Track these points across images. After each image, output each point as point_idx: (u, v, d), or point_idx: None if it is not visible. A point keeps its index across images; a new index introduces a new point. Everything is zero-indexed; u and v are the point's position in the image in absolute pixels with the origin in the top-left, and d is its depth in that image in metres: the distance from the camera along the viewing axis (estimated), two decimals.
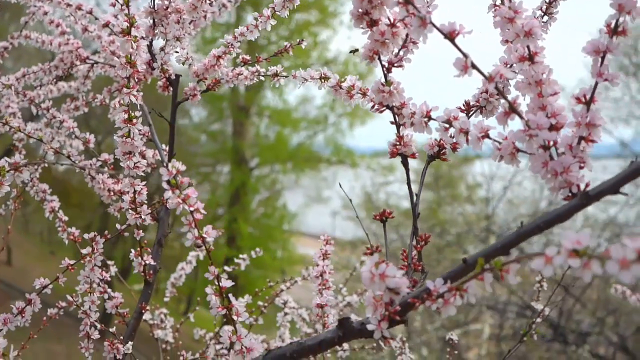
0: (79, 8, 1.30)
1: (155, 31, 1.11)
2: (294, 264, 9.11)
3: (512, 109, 0.67)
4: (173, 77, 1.20)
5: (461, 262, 0.62)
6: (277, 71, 1.17)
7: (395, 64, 0.77)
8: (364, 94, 0.88)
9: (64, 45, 1.44)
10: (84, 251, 1.01)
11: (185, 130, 9.74)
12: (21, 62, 5.78)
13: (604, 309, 6.10)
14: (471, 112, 0.81)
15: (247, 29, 1.15)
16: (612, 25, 0.62)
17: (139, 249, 1.05)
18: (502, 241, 0.61)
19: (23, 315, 1.00)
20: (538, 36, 0.66)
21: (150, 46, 1.16)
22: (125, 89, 0.94)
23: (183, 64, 1.17)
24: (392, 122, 0.80)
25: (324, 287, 1.04)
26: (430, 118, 0.76)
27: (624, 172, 0.57)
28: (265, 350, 0.74)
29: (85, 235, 1.03)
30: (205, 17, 1.16)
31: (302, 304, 1.83)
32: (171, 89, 1.21)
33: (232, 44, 1.16)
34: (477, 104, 0.80)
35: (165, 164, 0.68)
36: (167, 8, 1.11)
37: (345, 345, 1.56)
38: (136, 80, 0.96)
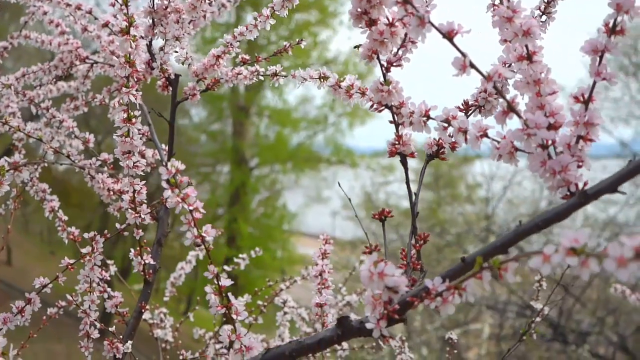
0: (78, 8, 1.30)
1: (155, 31, 1.12)
2: (294, 264, 9.11)
3: (511, 108, 0.67)
4: (172, 76, 1.20)
5: (460, 261, 0.62)
6: (276, 71, 1.18)
7: (394, 64, 0.77)
8: (363, 94, 0.88)
9: (63, 45, 1.44)
10: (83, 250, 1.01)
11: (185, 130, 9.74)
12: (21, 62, 5.78)
13: (603, 308, 6.10)
14: (470, 112, 0.81)
15: (247, 29, 1.15)
16: (610, 25, 0.62)
17: (138, 248, 1.05)
18: (500, 240, 0.61)
19: (23, 314, 1.00)
20: (536, 35, 0.66)
21: (149, 46, 1.16)
22: (124, 89, 0.94)
23: (182, 63, 1.18)
24: (391, 122, 0.80)
25: (323, 287, 1.04)
26: (428, 117, 0.76)
27: (622, 170, 0.57)
28: (265, 349, 0.74)
29: (85, 235, 1.03)
30: (204, 16, 1.16)
31: (302, 304, 1.83)
32: (170, 88, 1.21)
33: (231, 44, 1.16)
34: (476, 103, 0.80)
35: (164, 163, 0.68)
36: (166, 8, 1.11)
37: (345, 345, 1.56)
38: (135, 79, 0.96)
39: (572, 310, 5.95)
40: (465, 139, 0.72)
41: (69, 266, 1.03)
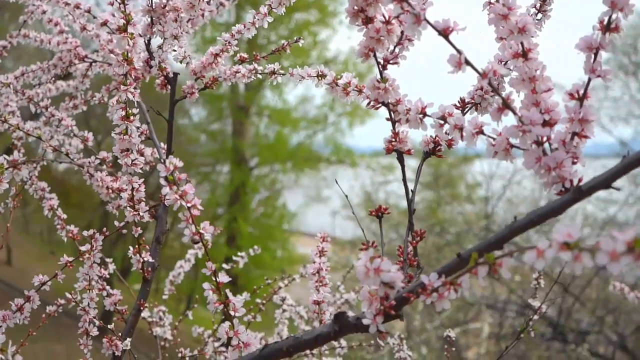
0: (77, 7, 1.31)
1: (153, 29, 1.12)
2: (293, 264, 9.11)
3: (506, 105, 0.67)
4: (171, 75, 1.20)
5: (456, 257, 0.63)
6: (274, 69, 1.18)
7: (391, 61, 0.78)
8: (360, 91, 0.88)
9: (62, 44, 1.44)
10: (82, 248, 1.02)
11: (185, 130, 9.75)
12: (21, 61, 5.79)
13: (603, 307, 6.10)
14: (466, 109, 0.81)
15: (245, 27, 1.15)
16: (605, 22, 0.63)
17: (137, 246, 1.06)
18: (495, 236, 0.62)
19: (22, 312, 1.01)
20: (532, 33, 0.67)
21: (148, 44, 1.16)
22: (122, 86, 0.94)
23: (181, 62, 1.18)
24: (387, 119, 0.80)
25: (320, 284, 1.04)
26: (425, 115, 0.77)
27: (616, 166, 0.58)
28: (263, 346, 0.74)
29: (84, 233, 1.03)
30: (202, 15, 1.17)
31: (301, 304, 1.83)
32: (169, 87, 1.21)
33: (229, 42, 1.16)
34: (473, 101, 0.81)
35: (162, 161, 0.69)
36: (164, 6, 1.11)
37: (343, 342, 1.57)
38: (133, 77, 0.97)
39: (571, 309, 5.96)
40: (462, 136, 0.72)
41: (68, 264, 1.04)
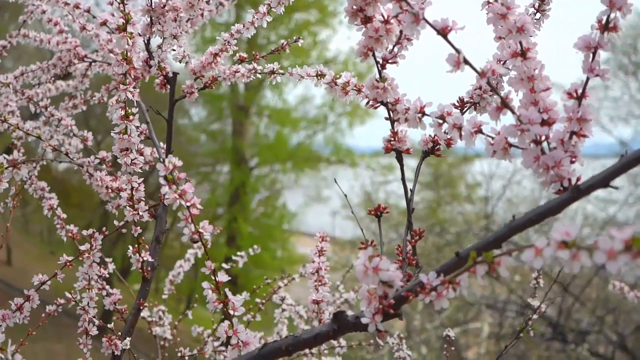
0: (76, 7, 1.31)
1: (153, 29, 1.12)
2: (293, 264, 9.11)
3: (504, 104, 0.67)
4: (170, 74, 1.20)
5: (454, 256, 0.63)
6: (273, 68, 1.18)
7: (390, 61, 0.78)
8: (359, 91, 0.88)
9: (62, 43, 1.44)
10: (82, 248, 1.02)
11: (185, 130, 9.75)
12: (21, 61, 5.79)
13: (603, 307, 6.10)
14: (465, 109, 0.81)
15: (244, 26, 1.15)
16: (603, 22, 0.63)
17: (136, 245, 1.06)
18: (494, 235, 0.62)
19: (21, 311, 1.01)
20: (530, 32, 0.67)
21: (147, 44, 1.17)
22: (121, 86, 0.94)
23: (180, 61, 1.18)
24: (386, 118, 0.80)
25: (320, 284, 1.05)
26: (424, 114, 0.77)
27: (615, 165, 0.58)
28: (262, 345, 0.74)
29: (84, 232, 1.03)
30: (202, 15, 1.17)
31: (301, 303, 1.83)
32: (168, 86, 1.21)
33: (228, 42, 1.16)
34: (471, 100, 0.81)
35: (162, 160, 0.69)
36: (164, 6, 1.11)
37: (343, 342, 1.57)
38: (133, 77, 0.97)
39: (571, 309, 5.96)
40: (460, 136, 0.72)
41: (68, 263, 1.04)
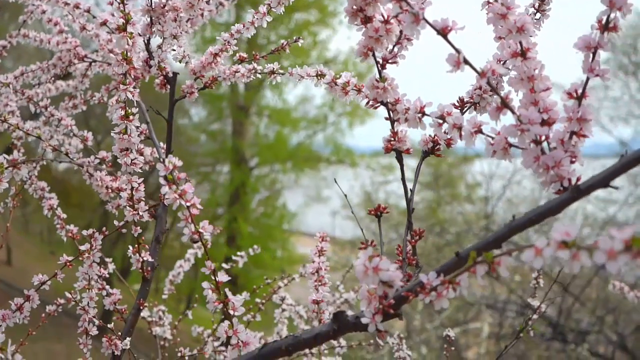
0: (76, 7, 1.31)
1: (153, 29, 1.12)
2: (293, 264, 9.11)
3: (504, 104, 0.67)
4: (170, 74, 1.21)
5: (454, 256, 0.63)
6: (273, 68, 1.18)
7: (390, 61, 0.78)
8: (359, 91, 0.88)
9: (62, 43, 1.44)
10: (82, 248, 1.02)
11: (185, 130, 9.75)
12: (21, 62, 5.79)
13: (603, 307, 6.10)
14: (465, 109, 0.81)
15: (244, 26, 1.15)
16: (603, 22, 0.63)
17: (136, 245, 1.06)
18: (494, 235, 0.62)
19: (21, 311, 1.01)
20: (530, 32, 0.67)
21: (147, 44, 1.17)
22: (121, 85, 0.94)
23: (180, 61, 1.18)
24: (386, 118, 0.81)
25: (320, 284, 1.05)
26: (424, 114, 0.77)
27: (614, 165, 0.58)
28: (262, 345, 0.74)
29: (84, 232, 1.03)
30: (202, 15, 1.17)
31: (301, 303, 1.83)
32: (168, 86, 1.21)
33: (228, 42, 1.16)
34: (471, 100, 0.81)
35: (162, 160, 0.69)
36: (164, 6, 1.11)
37: (343, 342, 1.57)
38: (133, 77, 0.97)
39: (571, 309, 5.96)
40: (460, 136, 0.72)
41: (68, 263, 1.04)
